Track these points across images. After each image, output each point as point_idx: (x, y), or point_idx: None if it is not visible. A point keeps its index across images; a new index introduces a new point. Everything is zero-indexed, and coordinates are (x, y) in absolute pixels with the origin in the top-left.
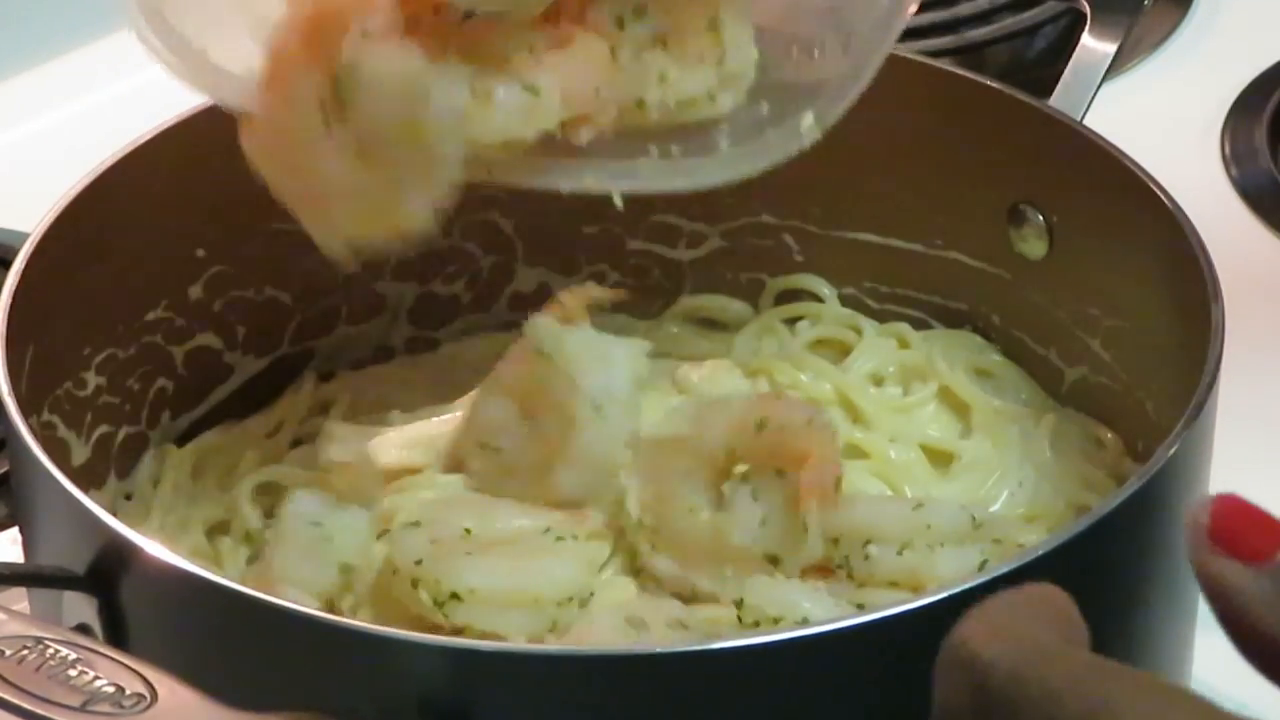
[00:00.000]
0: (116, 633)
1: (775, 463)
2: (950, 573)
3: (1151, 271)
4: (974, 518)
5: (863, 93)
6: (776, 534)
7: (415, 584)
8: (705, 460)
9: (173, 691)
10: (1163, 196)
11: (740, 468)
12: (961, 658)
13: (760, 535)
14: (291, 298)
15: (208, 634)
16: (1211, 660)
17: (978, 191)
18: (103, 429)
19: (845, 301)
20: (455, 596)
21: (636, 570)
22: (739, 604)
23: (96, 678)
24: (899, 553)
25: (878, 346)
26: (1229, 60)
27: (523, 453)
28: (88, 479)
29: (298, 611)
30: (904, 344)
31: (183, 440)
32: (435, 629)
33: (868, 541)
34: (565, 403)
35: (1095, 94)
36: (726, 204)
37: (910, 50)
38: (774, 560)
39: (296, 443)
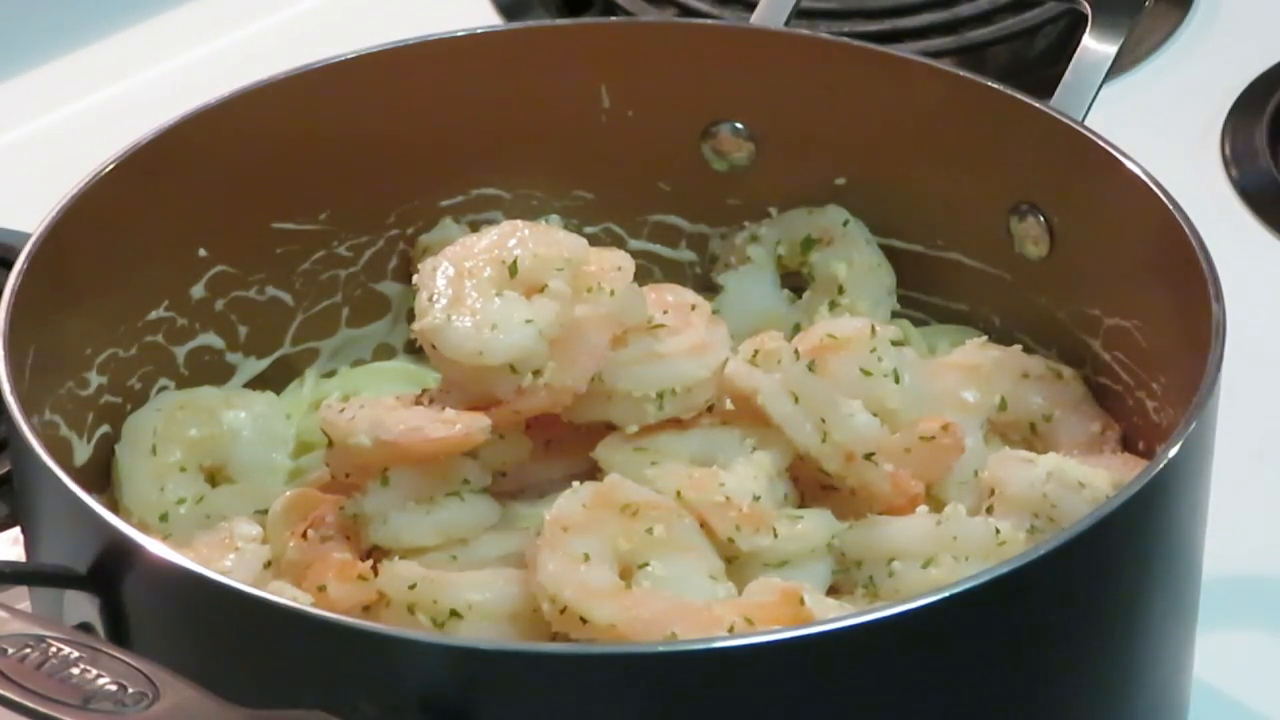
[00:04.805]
0: (118, 631)
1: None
2: None
3: (1151, 272)
4: (998, 530)
5: (861, 93)
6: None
7: (411, 609)
8: None
9: (174, 690)
10: (1163, 196)
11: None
12: None
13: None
14: (293, 298)
15: (209, 632)
16: (1212, 660)
17: (978, 192)
18: (105, 429)
19: None
20: (455, 614)
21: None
22: None
23: (99, 676)
24: (924, 566)
25: None
26: (1229, 60)
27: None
28: (89, 479)
29: (299, 610)
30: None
31: None
32: None
33: (891, 559)
34: None
35: (1096, 95)
36: (729, 205)
37: (911, 51)
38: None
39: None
